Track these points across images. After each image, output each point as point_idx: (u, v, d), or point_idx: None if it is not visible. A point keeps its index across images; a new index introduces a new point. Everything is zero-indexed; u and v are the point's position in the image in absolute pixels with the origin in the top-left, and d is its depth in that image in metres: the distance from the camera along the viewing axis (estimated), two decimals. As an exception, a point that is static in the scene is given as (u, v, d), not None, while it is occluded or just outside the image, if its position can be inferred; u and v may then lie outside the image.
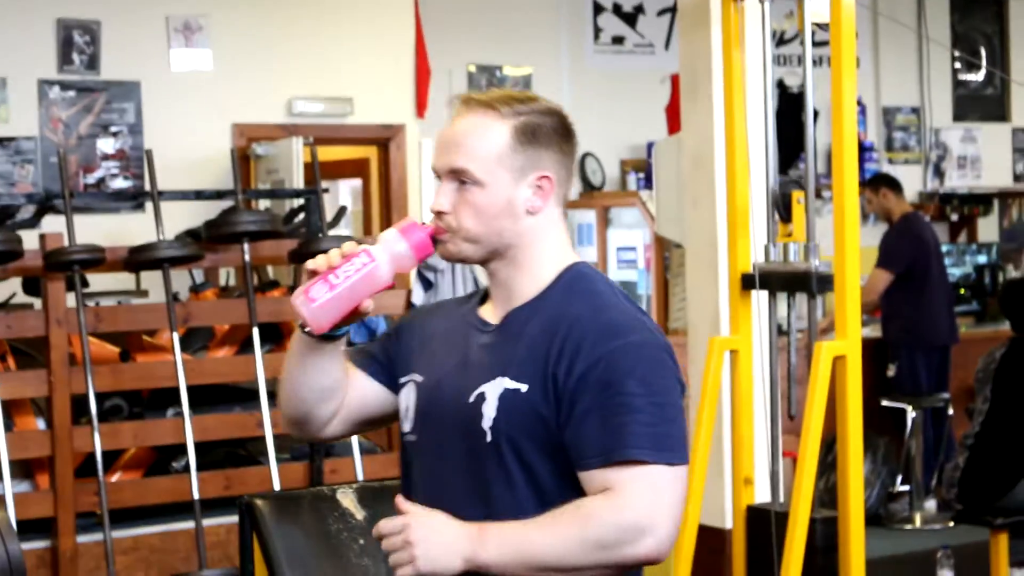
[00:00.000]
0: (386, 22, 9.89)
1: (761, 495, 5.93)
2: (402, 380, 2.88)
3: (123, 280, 8.11)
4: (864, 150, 11.62)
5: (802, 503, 5.21)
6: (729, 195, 5.92)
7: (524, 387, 2.67)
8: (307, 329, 2.81)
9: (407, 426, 2.84)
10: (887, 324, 9.54)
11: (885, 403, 8.97)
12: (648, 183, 10.98)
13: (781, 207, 5.76)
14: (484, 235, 2.74)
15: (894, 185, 9.87)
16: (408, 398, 2.85)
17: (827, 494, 6.91)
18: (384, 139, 9.97)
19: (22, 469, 6.45)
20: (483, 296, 2.89)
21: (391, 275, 2.75)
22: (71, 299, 6.31)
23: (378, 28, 9.85)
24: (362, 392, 2.95)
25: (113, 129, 9.06)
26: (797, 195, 5.63)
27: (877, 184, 9.80)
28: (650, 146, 10.97)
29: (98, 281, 7.59)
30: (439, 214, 2.77)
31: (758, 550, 5.68)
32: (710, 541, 6.16)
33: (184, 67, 9.27)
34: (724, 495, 6.23)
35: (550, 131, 2.80)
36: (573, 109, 10.07)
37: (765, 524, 5.59)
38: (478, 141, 2.74)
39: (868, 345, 5.58)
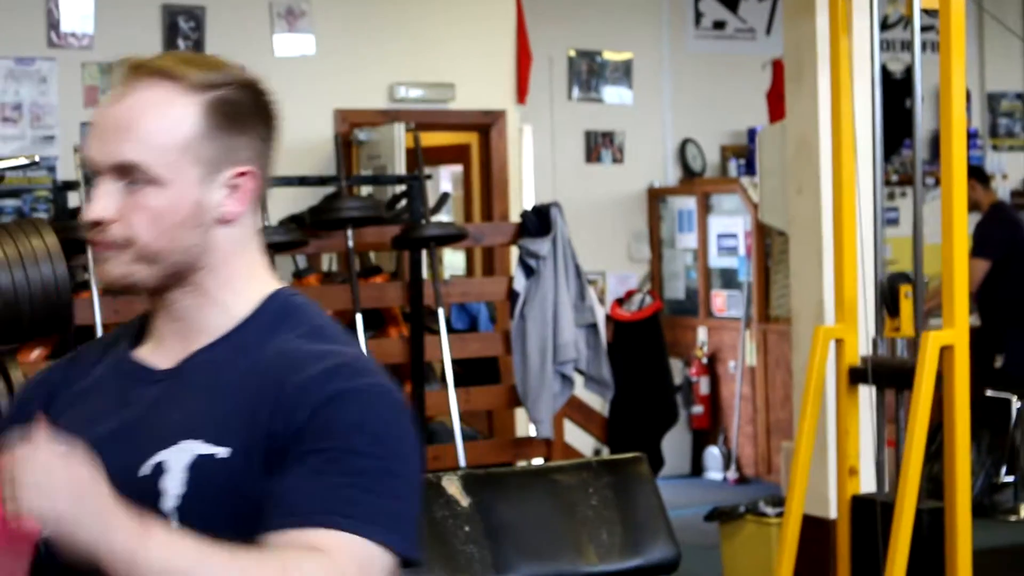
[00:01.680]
0: (487, 7, 9.90)
1: (865, 485, 5.88)
2: None
3: (227, 265, 8.17)
4: (969, 137, 11.51)
5: (908, 493, 5.17)
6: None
7: (223, 452, 1.94)
8: None
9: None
10: (991, 314, 9.44)
11: (990, 393, 8.88)
12: (749, 169, 10.93)
13: (889, 301, 5.70)
14: (165, 251, 2.01)
15: (981, 177, 9.78)
16: None
17: (931, 483, 6.85)
18: (485, 125, 9.98)
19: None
20: (138, 330, 2.14)
21: None
22: (177, 284, 6.36)
23: (479, 14, 9.85)
24: None
25: (217, 115, 9.14)
26: (905, 289, 5.54)
27: None
28: (751, 132, 10.92)
29: (202, 266, 7.65)
30: (98, 224, 2.00)
31: (863, 540, 5.64)
32: (814, 531, 6.12)
33: (287, 52, 9.32)
34: (828, 485, 6.18)
35: (251, 110, 2.12)
36: (674, 94, 10.07)
37: (870, 514, 5.55)
38: (156, 123, 2.01)
39: (971, 334, 5.51)
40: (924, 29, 5.91)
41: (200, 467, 1.94)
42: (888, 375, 5.58)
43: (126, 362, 2.08)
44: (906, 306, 5.49)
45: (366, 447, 1.92)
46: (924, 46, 6.25)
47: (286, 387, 1.95)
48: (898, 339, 5.63)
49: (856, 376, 5.71)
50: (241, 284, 2.08)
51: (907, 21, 5.80)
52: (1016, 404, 8.80)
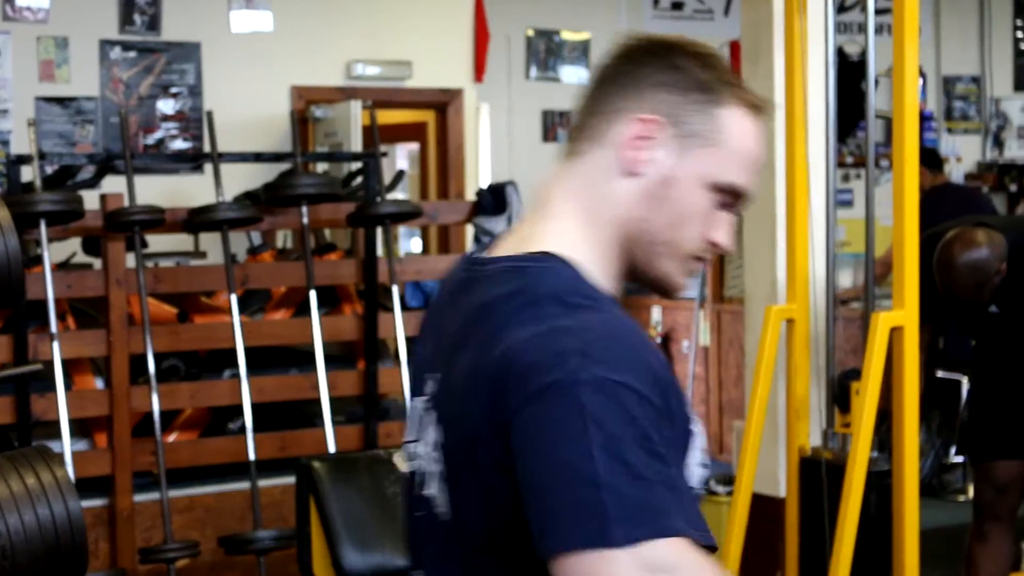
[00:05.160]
0: (445, -14, 9.90)
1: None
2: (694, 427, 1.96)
3: (182, 241, 8.16)
4: (923, 119, 11.57)
5: (857, 473, 5.20)
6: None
7: None
8: None
9: (701, 483, 2.00)
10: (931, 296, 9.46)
11: (940, 374, 8.92)
12: (705, 150, 10.97)
13: (840, 398, 5.74)
14: None
15: (928, 161, 9.78)
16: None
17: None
18: (442, 103, 9.98)
19: (81, 428, 6.51)
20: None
21: None
22: (131, 259, 6.35)
23: (437, -8, 9.85)
24: None
25: (173, 90, 9.10)
26: (856, 386, 5.57)
27: None
28: (708, 113, 10.95)
29: (157, 242, 7.64)
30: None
31: (812, 517, 5.68)
32: (764, 510, 6.16)
33: (244, 28, 9.29)
34: (778, 464, 6.22)
35: None
36: (632, 75, 9.89)
37: (819, 488, 5.58)
38: None
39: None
40: (880, 12, 5.93)
41: None
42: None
43: None
44: (856, 404, 5.45)
45: None
46: (880, 28, 6.29)
47: None
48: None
49: (807, 466, 5.75)
50: None
51: (864, 3, 5.81)
52: (966, 385, 8.85)
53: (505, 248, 2.01)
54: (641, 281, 2.06)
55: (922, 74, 11.97)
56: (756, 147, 2.02)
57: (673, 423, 1.81)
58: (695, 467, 1.91)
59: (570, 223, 2.00)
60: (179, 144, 9.17)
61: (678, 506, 1.70)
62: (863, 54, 5.90)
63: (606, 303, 1.92)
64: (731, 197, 2.02)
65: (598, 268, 1.98)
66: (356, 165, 7.93)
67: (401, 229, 10.28)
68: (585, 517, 1.67)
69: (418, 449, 2.00)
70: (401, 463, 2.08)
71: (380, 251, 6.83)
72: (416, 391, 2.05)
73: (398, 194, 8.49)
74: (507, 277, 1.92)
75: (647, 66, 2.04)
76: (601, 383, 1.74)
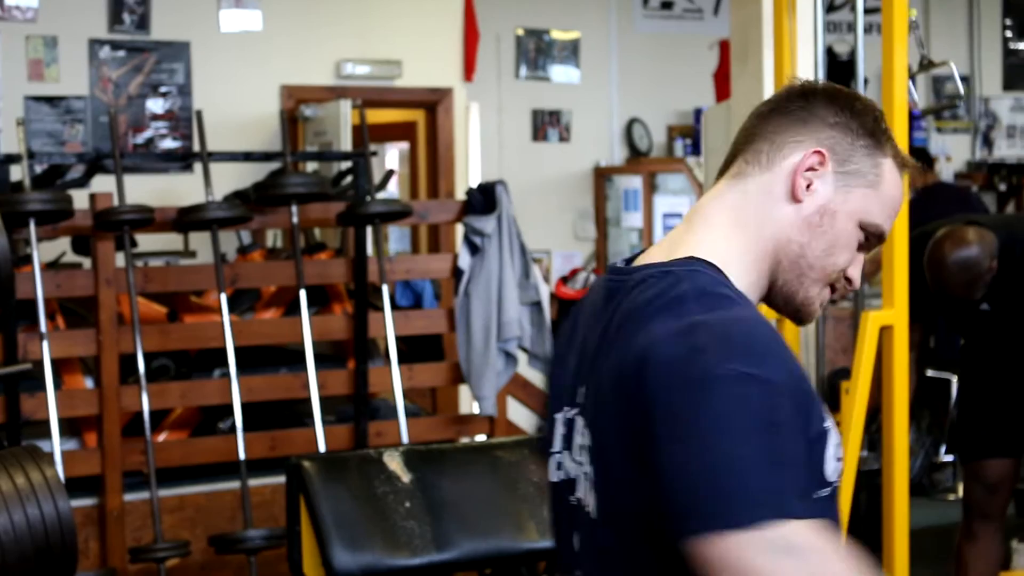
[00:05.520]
0: (435, -15, 9.89)
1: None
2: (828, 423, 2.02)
3: (171, 241, 8.15)
4: (913, 119, 11.57)
5: (847, 473, 5.20)
6: None
7: None
8: None
9: (837, 475, 2.03)
10: (922, 295, 9.46)
11: (930, 373, 8.92)
12: (695, 149, 10.97)
13: (829, 398, 5.74)
14: None
15: (918, 160, 9.78)
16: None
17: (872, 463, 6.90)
18: (432, 102, 9.97)
19: (70, 427, 6.50)
20: None
21: None
22: (120, 259, 6.35)
23: (427, -9, 9.84)
24: None
25: (162, 89, 9.09)
26: (845, 385, 5.56)
27: None
28: (697, 112, 10.96)
29: (146, 241, 7.63)
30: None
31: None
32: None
33: (233, 28, 9.28)
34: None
35: None
36: (621, 74, 10.04)
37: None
38: None
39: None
40: (870, 11, 5.93)
41: None
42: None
43: None
44: (846, 403, 5.45)
45: None
46: (869, 28, 6.30)
47: None
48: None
49: None
50: None
51: (853, 3, 5.81)
52: (956, 384, 8.85)
53: (654, 256, 2.14)
54: (777, 303, 2.19)
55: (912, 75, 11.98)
56: (900, 199, 2.22)
57: (809, 416, 1.92)
58: (832, 461, 1.99)
59: (725, 235, 2.14)
60: (168, 143, 9.15)
61: (804, 491, 1.83)
62: (852, 53, 5.90)
63: (744, 301, 2.05)
64: (869, 238, 2.19)
65: (744, 279, 2.12)
66: (346, 164, 7.92)
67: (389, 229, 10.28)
68: (714, 501, 1.80)
69: (564, 459, 2.14)
70: (549, 473, 2.19)
71: (370, 250, 6.83)
72: (557, 407, 2.18)
73: (388, 193, 8.48)
74: (653, 282, 2.04)
75: (822, 107, 2.19)
76: (738, 376, 1.86)
